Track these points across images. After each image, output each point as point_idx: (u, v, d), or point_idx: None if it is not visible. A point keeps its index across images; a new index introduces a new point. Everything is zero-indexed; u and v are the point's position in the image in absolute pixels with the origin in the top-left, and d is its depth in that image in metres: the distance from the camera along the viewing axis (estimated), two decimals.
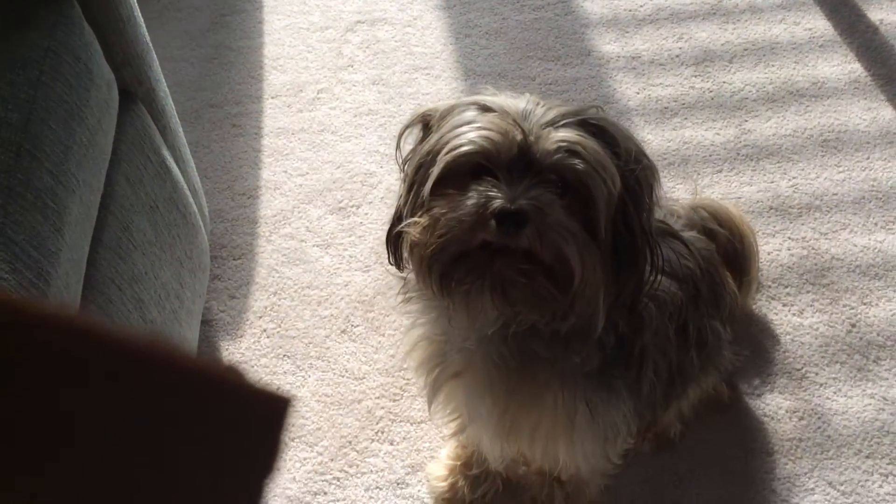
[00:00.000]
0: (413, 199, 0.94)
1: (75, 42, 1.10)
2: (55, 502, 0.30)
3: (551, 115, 0.91)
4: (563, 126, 0.89)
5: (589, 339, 0.96)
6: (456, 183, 0.90)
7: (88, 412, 0.29)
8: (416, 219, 0.91)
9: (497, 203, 0.85)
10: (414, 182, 0.94)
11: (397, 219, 0.98)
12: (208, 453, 0.33)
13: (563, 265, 0.87)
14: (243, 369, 0.34)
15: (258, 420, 0.34)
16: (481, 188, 0.87)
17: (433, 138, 0.94)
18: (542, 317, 0.92)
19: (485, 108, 0.92)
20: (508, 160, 0.88)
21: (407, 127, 1.00)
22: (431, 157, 0.92)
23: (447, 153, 0.90)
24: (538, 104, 0.92)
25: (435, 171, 0.90)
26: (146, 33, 1.34)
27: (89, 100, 1.09)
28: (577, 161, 0.87)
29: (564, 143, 0.87)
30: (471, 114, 0.92)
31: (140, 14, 1.34)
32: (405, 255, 0.96)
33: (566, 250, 0.86)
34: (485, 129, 0.89)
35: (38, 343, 0.28)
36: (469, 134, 0.89)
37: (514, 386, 1.02)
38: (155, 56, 1.38)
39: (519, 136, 0.88)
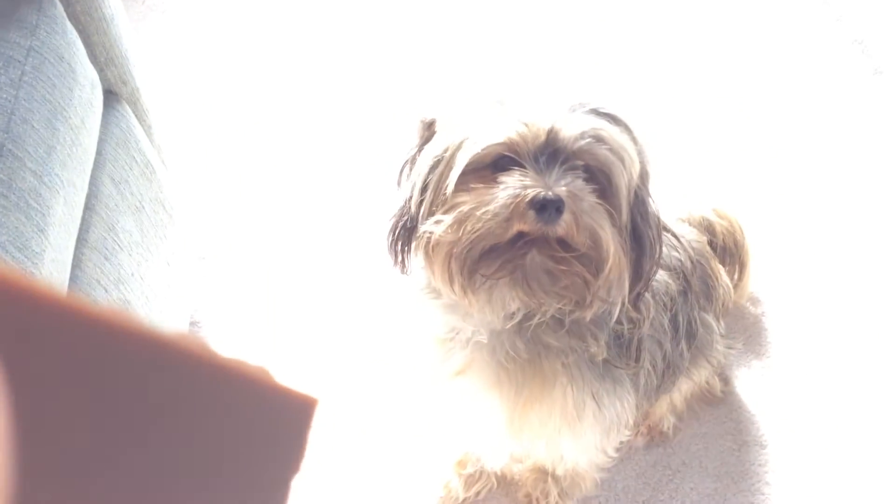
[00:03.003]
0: (431, 198, 0.91)
1: (58, 41, 1.09)
2: (77, 494, 0.30)
3: (567, 103, 0.90)
4: (585, 114, 0.89)
5: (605, 327, 0.97)
6: (477, 177, 0.88)
7: (115, 406, 0.29)
8: (438, 216, 0.89)
9: (533, 192, 0.84)
10: (428, 182, 0.92)
11: (407, 221, 0.95)
12: (235, 451, 0.34)
13: (597, 250, 0.87)
14: (272, 369, 0.34)
15: (286, 419, 0.35)
16: (513, 179, 0.86)
17: (448, 135, 0.91)
18: (567, 305, 0.92)
19: (500, 102, 0.92)
20: (535, 149, 0.87)
21: (408, 132, 0.99)
22: (451, 153, 0.90)
23: (471, 147, 0.88)
24: (550, 95, 0.92)
25: (458, 166, 0.88)
26: (130, 33, 1.33)
27: (73, 99, 1.08)
28: (602, 146, 0.87)
29: (589, 129, 0.87)
30: (487, 107, 0.91)
31: (124, 13, 1.32)
32: (420, 256, 0.94)
33: (601, 234, 0.86)
34: (509, 119, 0.88)
35: (73, 331, 0.28)
36: (492, 126, 0.88)
37: (523, 380, 1.01)
38: (139, 55, 1.36)
39: (546, 125, 0.87)
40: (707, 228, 1.41)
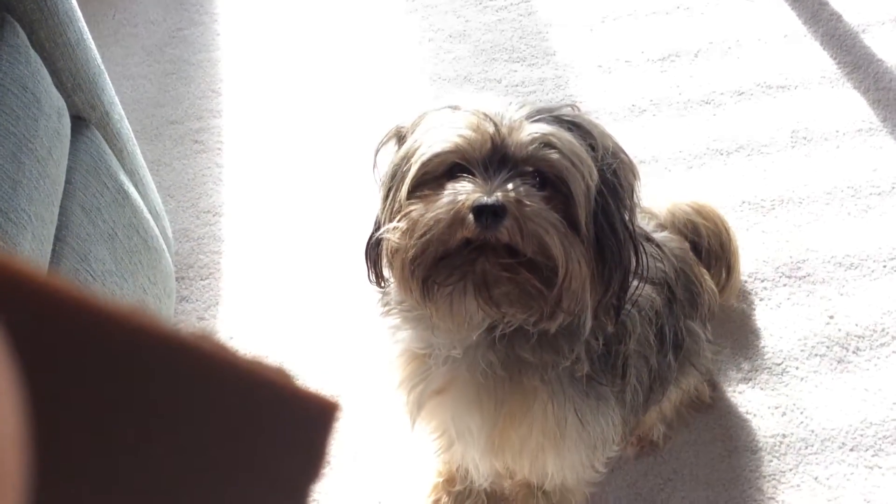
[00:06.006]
0: (390, 205, 0.92)
1: (21, 71, 1.06)
2: (89, 498, 0.29)
3: (525, 111, 0.90)
4: (538, 121, 0.88)
5: (577, 341, 0.94)
6: (432, 185, 0.89)
7: (128, 407, 0.29)
8: (394, 224, 0.89)
9: (473, 197, 0.83)
10: (390, 188, 0.93)
11: (376, 230, 0.96)
12: (254, 455, 0.33)
13: (547, 257, 0.85)
14: (292, 371, 0.33)
15: (306, 424, 0.34)
16: (457, 185, 0.86)
17: (407, 143, 0.92)
18: (529, 316, 0.90)
19: (456, 108, 0.91)
20: (483, 156, 0.87)
21: (382, 143, 0.98)
22: (406, 160, 0.91)
23: (421, 154, 0.88)
24: (510, 103, 0.92)
25: (410, 173, 0.89)
26: (98, 56, 1.30)
27: (38, 130, 1.05)
28: (552, 151, 0.86)
29: (538, 135, 0.86)
30: (442, 115, 0.91)
31: (91, 36, 1.30)
32: (385, 265, 0.94)
33: (547, 240, 0.84)
34: (457, 126, 0.88)
35: (87, 328, 0.27)
36: (442, 133, 0.88)
37: (503, 397, 0.99)
38: (108, 78, 1.34)
39: (491, 130, 0.86)
40: (692, 230, 1.39)
